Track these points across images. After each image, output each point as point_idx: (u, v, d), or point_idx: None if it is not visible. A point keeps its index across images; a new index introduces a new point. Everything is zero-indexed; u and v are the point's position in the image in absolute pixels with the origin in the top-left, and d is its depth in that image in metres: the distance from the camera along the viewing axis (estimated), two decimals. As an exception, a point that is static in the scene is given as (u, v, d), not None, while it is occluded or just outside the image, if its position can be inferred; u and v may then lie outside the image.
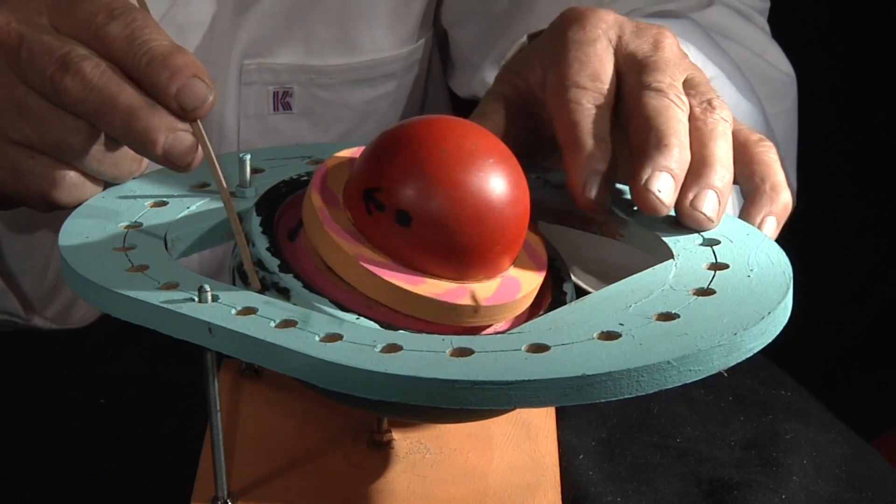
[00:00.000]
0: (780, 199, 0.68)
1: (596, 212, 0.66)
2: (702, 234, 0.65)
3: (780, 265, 0.62)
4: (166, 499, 0.71)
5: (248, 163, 0.68)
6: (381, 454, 0.70)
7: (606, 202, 0.66)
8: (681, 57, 0.70)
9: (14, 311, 0.93)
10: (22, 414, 0.79)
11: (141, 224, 0.66)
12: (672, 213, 0.66)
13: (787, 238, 0.68)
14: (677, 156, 0.65)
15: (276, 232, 0.64)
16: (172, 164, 0.64)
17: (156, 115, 0.64)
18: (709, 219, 0.65)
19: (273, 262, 0.61)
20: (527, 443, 0.71)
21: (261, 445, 0.70)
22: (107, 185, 0.69)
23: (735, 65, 0.92)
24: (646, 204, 0.65)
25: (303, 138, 1.00)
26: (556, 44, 0.70)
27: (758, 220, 0.67)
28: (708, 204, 0.65)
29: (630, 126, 0.67)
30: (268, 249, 0.62)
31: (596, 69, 0.69)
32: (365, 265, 0.60)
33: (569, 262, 0.68)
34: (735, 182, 0.69)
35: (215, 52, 0.96)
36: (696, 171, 0.66)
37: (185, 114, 0.64)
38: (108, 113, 0.64)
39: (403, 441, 0.71)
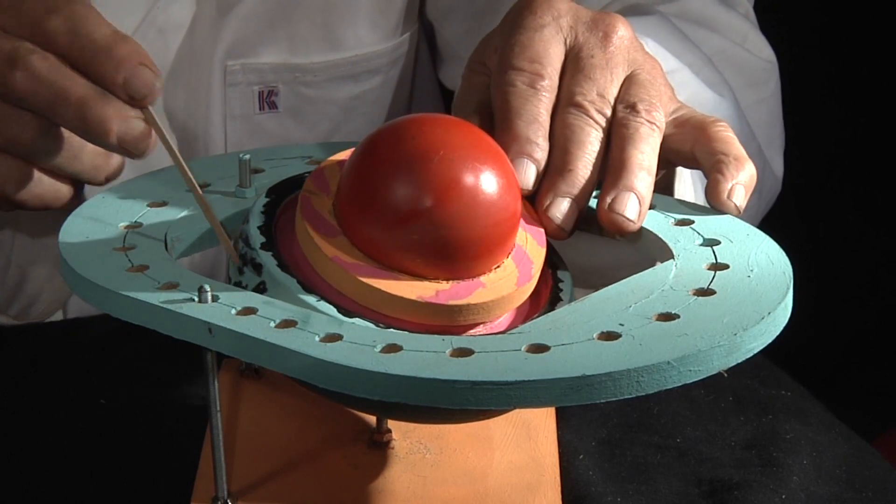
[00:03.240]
0: (746, 169, 0.67)
1: (525, 194, 0.66)
2: (702, 234, 0.65)
3: (780, 265, 0.62)
4: (166, 499, 0.71)
5: (248, 163, 0.68)
6: (381, 454, 0.70)
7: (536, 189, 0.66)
8: (629, 50, 0.70)
9: None
10: (21, 413, 0.79)
11: (141, 224, 0.66)
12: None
13: (787, 238, 0.68)
14: (579, 181, 0.65)
15: (277, 215, 0.64)
16: (128, 152, 0.65)
17: (108, 104, 0.64)
18: (629, 220, 0.65)
19: (257, 240, 0.62)
20: (527, 443, 0.71)
21: (261, 445, 0.70)
22: (81, 193, 0.69)
23: (705, 58, 0.92)
24: (546, 229, 0.65)
25: (290, 137, 1.00)
26: (506, 30, 0.70)
27: (727, 188, 0.67)
28: (628, 206, 0.65)
29: (550, 135, 0.67)
30: (258, 227, 0.62)
31: (537, 52, 0.68)
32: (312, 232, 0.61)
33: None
34: (696, 166, 0.69)
35: (197, 53, 0.96)
36: (615, 175, 0.66)
37: (133, 102, 0.65)
38: (60, 105, 0.64)
39: (403, 441, 0.71)
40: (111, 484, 0.73)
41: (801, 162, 1.11)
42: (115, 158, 0.69)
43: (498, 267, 0.61)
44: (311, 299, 0.59)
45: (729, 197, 0.67)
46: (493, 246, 0.61)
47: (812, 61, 1.52)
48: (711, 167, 0.67)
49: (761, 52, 1.02)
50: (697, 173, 0.79)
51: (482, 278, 0.61)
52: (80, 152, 0.68)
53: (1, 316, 0.95)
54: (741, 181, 0.67)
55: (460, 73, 1.04)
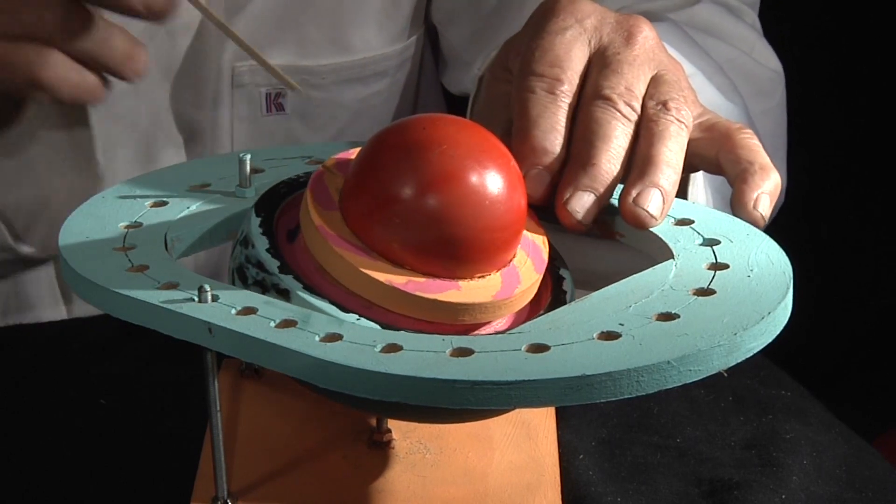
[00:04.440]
0: (772, 179, 0.67)
1: (537, 203, 0.65)
2: (702, 234, 0.65)
3: (780, 265, 0.62)
4: (166, 499, 0.71)
5: (248, 163, 0.68)
6: (381, 454, 0.70)
7: (550, 199, 0.65)
8: (654, 51, 0.70)
9: (2, 241, 0.95)
10: (21, 413, 0.79)
11: (141, 224, 0.66)
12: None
13: (787, 238, 0.68)
14: (603, 175, 0.65)
15: (276, 232, 0.64)
16: (154, 15, 0.67)
17: None
18: (651, 216, 0.64)
19: (273, 264, 0.61)
20: (527, 443, 0.71)
21: (261, 445, 0.70)
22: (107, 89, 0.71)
23: (716, 65, 0.92)
24: (564, 221, 0.65)
25: (296, 139, 1.00)
26: (529, 33, 0.70)
27: (753, 198, 0.66)
28: (651, 201, 0.65)
29: (574, 131, 0.67)
30: (267, 251, 0.62)
31: (558, 56, 0.68)
32: (334, 245, 0.60)
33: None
34: (720, 172, 0.68)
35: (205, 55, 0.96)
36: (641, 169, 0.65)
37: None
38: None
39: (403, 441, 0.71)
40: (111, 484, 0.73)
41: (802, 162, 1.11)
42: (142, 50, 0.70)
43: (482, 276, 0.61)
44: (351, 317, 0.59)
45: (755, 207, 0.66)
46: (477, 252, 0.60)
47: (813, 62, 1.52)
48: (737, 176, 0.67)
49: (768, 62, 1.02)
50: (709, 178, 0.78)
51: (461, 282, 0.60)
52: (110, 37, 0.69)
53: (25, 246, 0.96)
54: (766, 190, 0.66)
55: (463, 77, 1.05)
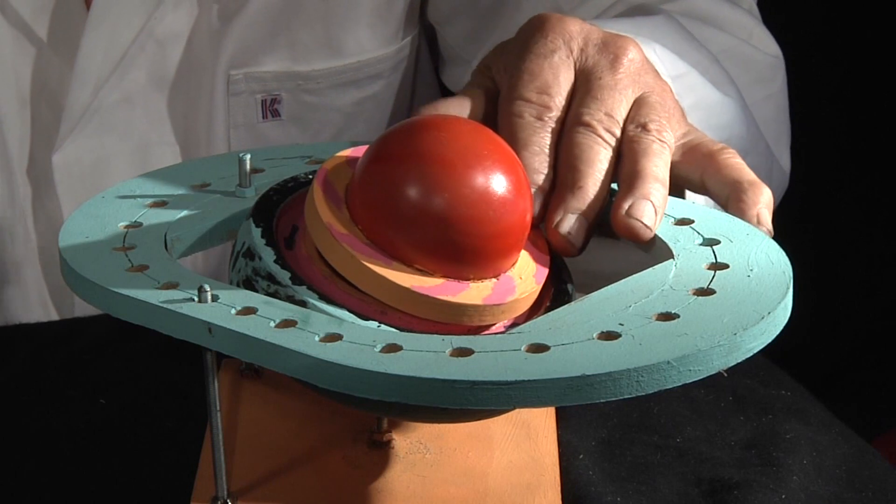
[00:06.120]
0: (764, 193, 0.67)
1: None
2: (702, 234, 0.65)
3: (780, 265, 0.62)
4: (166, 499, 0.71)
5: (247, 163, 0.68)
6: (380, 454, 0.70)
7: (541, 219, 0.65)
8: (639, 73, 0.70)
9: None
10: (21, 414, 0.79)
11: (141, 224, 0.66)
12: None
13: (787, 238, 0.68)
14: (590, 198, 0.65)
15: (278, 240, 0.63)
16: None
17: None
18: (646, 226, 0.65)
19: (284, 275, 0.61)
20: (527, 443, 0.71)
21: (261, 445, 0.70)
22: None
23: (712, 57, 0.92)
24: (556, 245, 0.65)
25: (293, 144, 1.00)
26: (517, 52, 0.70)
27: (755, 212, 0.66)
28: (645, 213, 0.65)
29: (558, 157, 0.67)
30: (276, 262, 0.61)
31: (546, 81, 0.68)
32: (338, 237, 0.60)
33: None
34: (706, 193, 0.69)
35: (199, 64, 0.96)
36: (629, 184, 0.66)
37: None
38: None
39: (403, 441, 0.71)
40: (111, 484, 0.73)
41: (801, 161, 1.11)
42: None
43: (473, 279, 0.60)
44: (371, 324, 0.59)
45: (759, 223, 0.67)
46: (448, 244, 0.60)
47: (811, 60, 1.52)
48: (728, 197, 0.67)
49: (767, 48, 1.02)
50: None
51: (424, 275, 0.60)
52: None
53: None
54: (763, 204, 0.67)
55: (463, 74, 1.06)
